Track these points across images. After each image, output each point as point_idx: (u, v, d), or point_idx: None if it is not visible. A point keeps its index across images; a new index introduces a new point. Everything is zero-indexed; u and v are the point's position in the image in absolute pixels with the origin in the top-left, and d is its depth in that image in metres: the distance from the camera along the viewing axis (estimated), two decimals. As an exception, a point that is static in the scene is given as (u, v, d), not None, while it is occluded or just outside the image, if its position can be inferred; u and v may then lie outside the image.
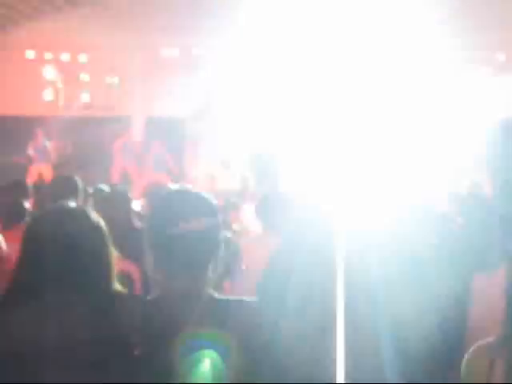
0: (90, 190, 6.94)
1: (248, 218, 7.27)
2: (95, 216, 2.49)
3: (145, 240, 2.40)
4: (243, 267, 3.64)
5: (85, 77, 17.42)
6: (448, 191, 9.26)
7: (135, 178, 15.49)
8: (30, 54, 17.09)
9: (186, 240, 2.32)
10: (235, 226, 7.14)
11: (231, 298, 2.45)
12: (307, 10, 15.19)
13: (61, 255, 2.35)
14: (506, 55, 16.53)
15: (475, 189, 11.20)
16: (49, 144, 16.36)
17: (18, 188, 6.07)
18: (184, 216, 2.33)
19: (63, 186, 5.56)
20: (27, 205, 5.45)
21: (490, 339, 2.21)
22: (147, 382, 2.24)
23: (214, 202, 2.43)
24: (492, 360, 2.12)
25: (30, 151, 16.01)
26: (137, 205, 9.22)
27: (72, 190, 5.44)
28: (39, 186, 7.89)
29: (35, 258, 2.37)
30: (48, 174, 15.46)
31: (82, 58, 17.33)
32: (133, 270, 4.38)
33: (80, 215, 2.47)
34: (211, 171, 15.98)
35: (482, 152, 15.09)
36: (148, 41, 16.72)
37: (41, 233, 2.41)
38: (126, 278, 4.53)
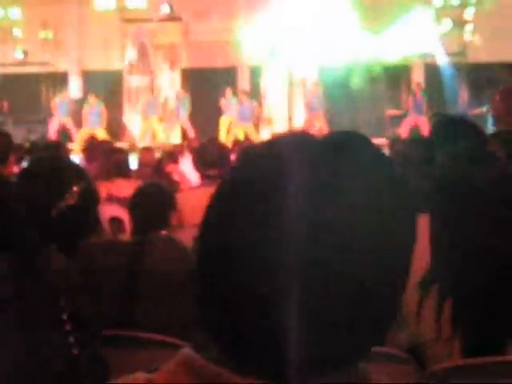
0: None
1: (186, 169, 7.27)
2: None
3: None
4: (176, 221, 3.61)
5: (18, 32, 16.96)
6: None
7: (73, 134, 15.28)
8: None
9: None
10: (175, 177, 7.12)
11: None
12: None
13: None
14: None
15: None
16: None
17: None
18: None
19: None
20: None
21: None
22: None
23: None
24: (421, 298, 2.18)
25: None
26: (76, 160, 9.15)
27: (6, 147, 5.37)
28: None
29: None
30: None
31: (15, 12, 16.88)
32: (122, 213, 4.42)
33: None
34: (151, 124, 15.83)
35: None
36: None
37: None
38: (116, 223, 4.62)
